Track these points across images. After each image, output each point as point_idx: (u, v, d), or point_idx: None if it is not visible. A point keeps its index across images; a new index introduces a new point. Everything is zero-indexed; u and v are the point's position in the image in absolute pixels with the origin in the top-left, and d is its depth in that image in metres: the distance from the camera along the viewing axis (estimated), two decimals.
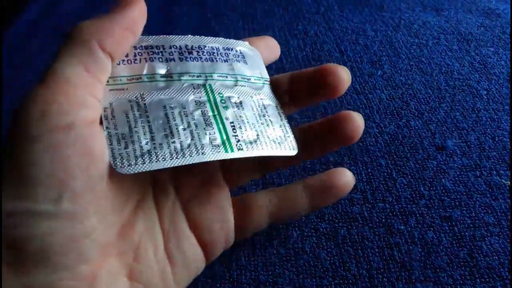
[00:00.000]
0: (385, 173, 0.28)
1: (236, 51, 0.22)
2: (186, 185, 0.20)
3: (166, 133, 0.17)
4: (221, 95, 0.19)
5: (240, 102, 0.20)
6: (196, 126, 0.18)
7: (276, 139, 0.19)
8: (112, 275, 0.16)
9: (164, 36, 0.20)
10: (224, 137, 0.18)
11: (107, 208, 0.16)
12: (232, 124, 0.18)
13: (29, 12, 0.46)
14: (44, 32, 0.43)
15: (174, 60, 0.20)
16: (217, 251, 0.21)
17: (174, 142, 0.17)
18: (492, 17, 0.43)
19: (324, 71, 0.20)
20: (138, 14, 0.17)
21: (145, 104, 0.17)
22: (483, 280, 0.22)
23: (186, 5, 0.47)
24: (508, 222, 0.25)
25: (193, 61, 0.20)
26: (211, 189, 0.21)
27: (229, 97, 0.20)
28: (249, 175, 0.23)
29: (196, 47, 0.21)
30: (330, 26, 0.42)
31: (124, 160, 0.16)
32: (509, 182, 0.27)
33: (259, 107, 0.20)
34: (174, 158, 0.16)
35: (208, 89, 0.19)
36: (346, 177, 0.22)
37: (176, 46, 0.20)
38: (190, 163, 0.17)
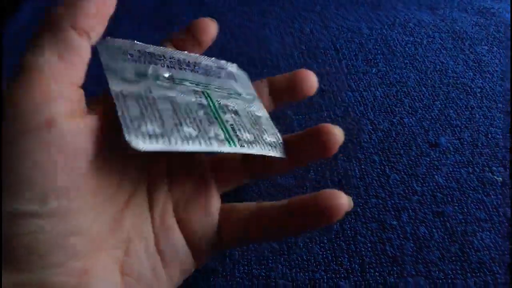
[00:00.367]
0: (379, 169, 0.28)
1: (227, 70, 0.23)
2: (179, 184, 0.20)
3: (176, 122, 0.17)
4: (218, 101, 0.20)
5: (236, 111, 0.20)
6: (201, 122, 0.18)
7: (271, 143, 0.20)
8: (104, 270, 0.16)
9: (164, 48, 0.21)
10: (227, 135, 0.18)
11: (96, 204, 0.16)
12: (232, 126, 0.19)
13: (23, 12, 0.46)
14: None
15: (174, 68, 0.20)
16: (204, 253, 0.20)
17: (184, 130, 0.17)
18: (487, 16, 0.44)
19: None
20: None
21: (153, 97, 0.18)
22: (474, 274, 0.22)
23: (183, 4, 0.47)
24: (499, 218, 0.25)
25: (191, 72, 0.21)
26: (201, 191, 0.20)
27: (226, 105, 0.20)
28: (239, 180, 0.23)
29: (192, 62, 0.22)
30: (326, 24, 0.43)
31: (139, 137, 0.15)
32: (501, 178, 0.27)
33: (252, 117, 0.21)
34: (185, 143, 0.16)
35: (207, 96, 0.20)
36: (340, 199, 0.18)
37: (174, 58, 0.21)
38: (200, 150, 0.17)
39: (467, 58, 0.38)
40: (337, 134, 0.20)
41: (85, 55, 0.16)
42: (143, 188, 0.19)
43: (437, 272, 0.22)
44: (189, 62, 0.22)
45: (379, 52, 0.38)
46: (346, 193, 0.18)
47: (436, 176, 0.27)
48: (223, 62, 0.24)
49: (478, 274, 0.22)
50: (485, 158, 0.28)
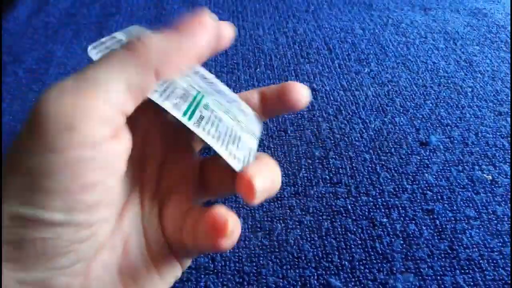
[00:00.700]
0: (369, 168, 0.28)
1: (239, 103, 0.22)
2: (166, 179, 0.20)
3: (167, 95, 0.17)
4: (207, 104, 0.19)
5: (220, 119, 0.19)
6: (179, 96, 0.17)
7: (235, 155, 0.18)
8: (104, 269, 0.17)
9: None
10: (188, 111, 0.17)
11: (111, 215, 0.17)
12: (201, 116, 0.18)
13: (20, 9, 0.46)
14: (36, 30, 0.43)
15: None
16: (183, 255, 0.19)
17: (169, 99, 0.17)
18: (479, 16, 0.44)
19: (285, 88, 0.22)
20: (207, 41, 0.16)
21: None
22: (463, 271, 0.23)
23: (177, 2, 0.47)
24: (488, 216, 0.25)
25: (200, 79, 0.21)
26: (185, 194, 0.20)
27: (212, 109, 0.19)
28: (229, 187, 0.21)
29: (211, 77, 0.22)
30: (319, 24, 0.43)
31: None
32: (490, 177, 0.27)
33: (233, 133, 0.19)
34: (159, 99, 0.16)
35: (200, 94, 0.19)
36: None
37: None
38: (157, 102, 0.16)
39: (459, 58, 0.38)
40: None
41: (147, 94, 0.16)
42: (137, 190, 0.19)
43: (426, 269, 0.23)
44: (204, 76, 0.22)
45: (371, 52, 0.39)
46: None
47: (426, 174, 0.28)
48: (236, 96, 0.23)
49: (467, 271, 0.23)
50: (475, 157, 0.29)
